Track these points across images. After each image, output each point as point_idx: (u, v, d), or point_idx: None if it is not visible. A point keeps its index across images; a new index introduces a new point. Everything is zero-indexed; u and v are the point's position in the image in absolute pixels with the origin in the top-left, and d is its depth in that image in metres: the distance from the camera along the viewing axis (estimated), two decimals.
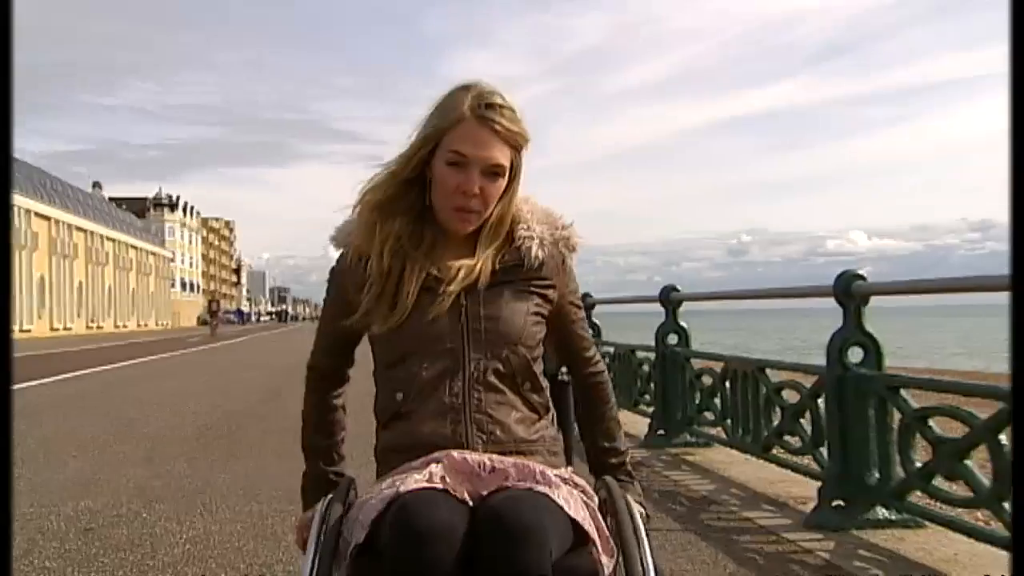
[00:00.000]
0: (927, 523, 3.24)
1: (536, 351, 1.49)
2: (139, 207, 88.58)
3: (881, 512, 3.35)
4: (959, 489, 3.00)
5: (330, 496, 1.41)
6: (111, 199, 75.38)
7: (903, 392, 3.26)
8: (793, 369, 4.31)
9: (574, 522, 1.23)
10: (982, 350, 28.21)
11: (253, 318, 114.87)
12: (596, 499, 1.36)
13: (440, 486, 1.25)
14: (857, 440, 3.41)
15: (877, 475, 3.35)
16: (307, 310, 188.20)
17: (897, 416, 3.28)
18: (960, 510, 3.12)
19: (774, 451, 4.32)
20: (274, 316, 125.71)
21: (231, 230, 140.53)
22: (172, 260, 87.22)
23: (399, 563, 1.14)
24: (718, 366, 5.01)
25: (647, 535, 1.29)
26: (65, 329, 49.27)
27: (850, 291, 3.49)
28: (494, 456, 1.35)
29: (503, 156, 1.42)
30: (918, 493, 3.20)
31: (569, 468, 1.44)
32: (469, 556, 1.16)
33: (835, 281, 3.55)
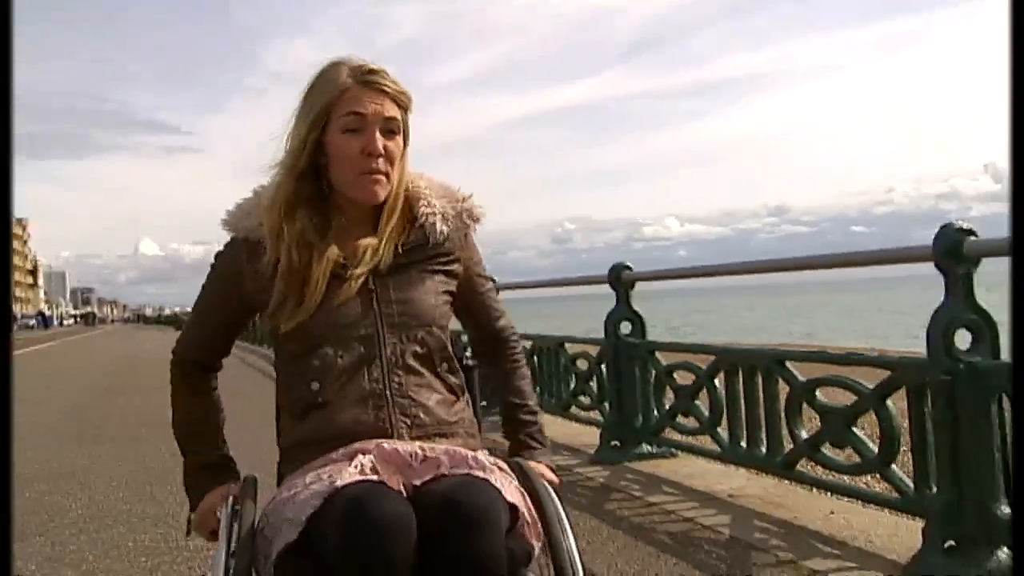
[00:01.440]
0: (677, 452, 4.34)
1: (448, 331, 1.49)
2: None
3: (645, 447, 4.42)
4: (691, 423, 4.08)
5: (231, 495, 1.40)
6: None
7: (657, 354, 4.37)
8: (583, 343, 5.35)
9: (510, 506, 1.24)
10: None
11: (56, 322, 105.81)
12: (515, 479, 1.35)
13: (375, 478, 1.22)
14: (627, 393, 4.46)
15: (641, 419, 4.40)
16: (115, 311, 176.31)
17: (653, 373, 4.35)
18: (692, 438, 4.20)
19: (571, 410, 5.28)
20: (79, 319, 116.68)
21: (24, 228, 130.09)
22: None
23: (353, 560, 1.11)
24: (528, 343, 5.58)
25: (567, 516, 1.31)
26: None
27: (620, 278, 4.58)
28: (423, 444, 1.33)
29: (396, 112, 1.41)
30: (668, 430, 4.27)
31: (485, 451, 1.43)
32: (419, 547, 1.15)
33: (609, 271, 4.63)
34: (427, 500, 1.20)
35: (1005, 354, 2.47)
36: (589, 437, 4.78)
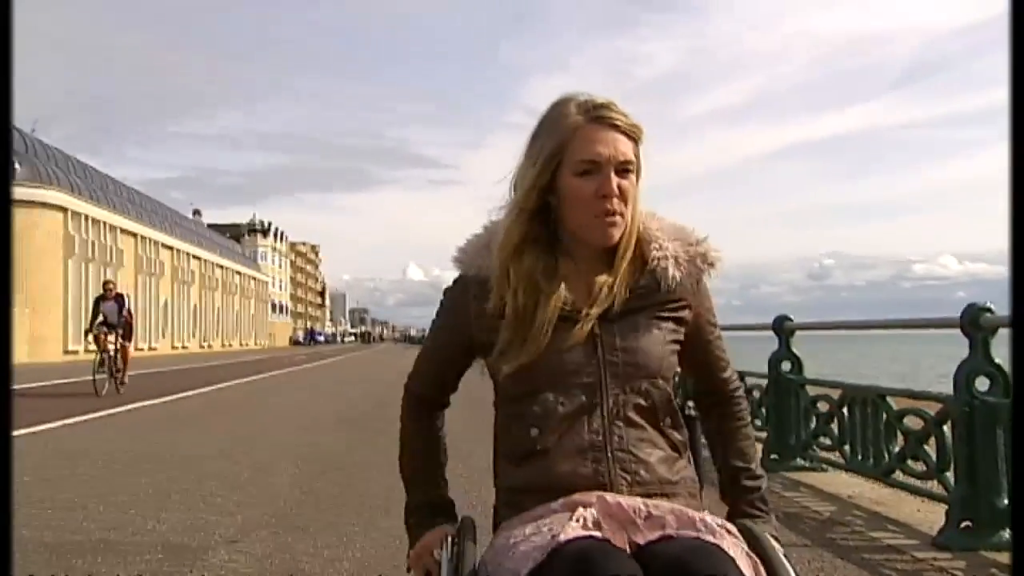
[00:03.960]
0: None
1: (672, 383, 1.42)
2: (235, 233, 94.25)
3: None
4: None
5: (451, 537, 1.39)
6: (210, 226, 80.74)
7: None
8: (911, 396, 4.62)
9: (737, 567, 1.16)
10: None
11: (338, 339, 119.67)
12: (744, 543, 1.25)
13: (599, 534, 1.17)
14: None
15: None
16: (385, 331, 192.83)
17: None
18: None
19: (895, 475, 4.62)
20: (357, 337, 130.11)
21: (316, 254, 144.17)
22: (268, 284, 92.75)
23: None
24: (835, 392, 5.34)
25: None
26: (183, 347, 54.51)
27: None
28: (648, 500, 1.27)
29: (629, 151, 1.35)
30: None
31: (707, 512, 1.32)
32: None
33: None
34: (656, 562, 1.14)
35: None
36: (910, 508, 4.60)
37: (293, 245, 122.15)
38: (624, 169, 1.35)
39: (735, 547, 1.20)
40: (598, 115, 1.35)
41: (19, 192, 32.67)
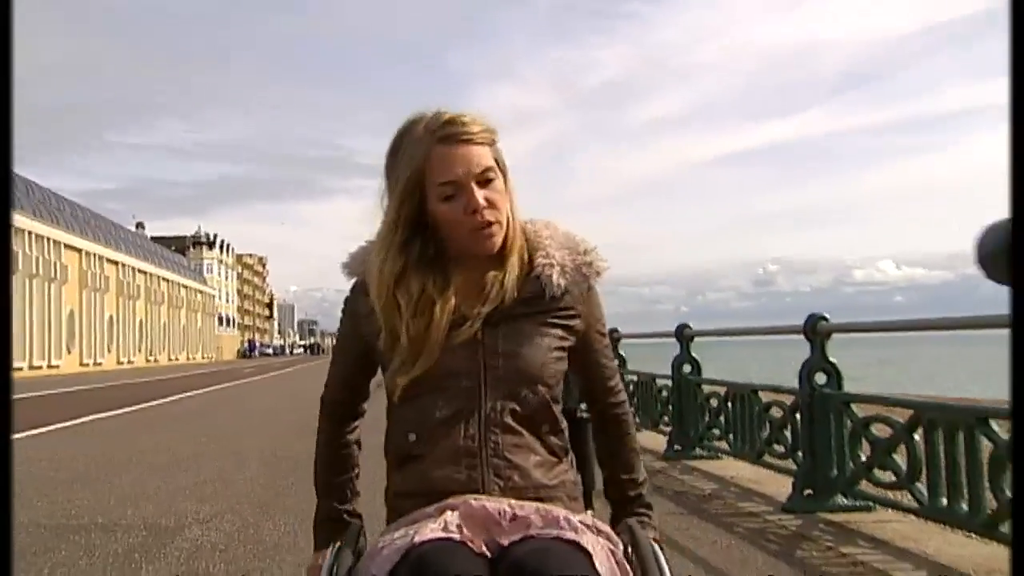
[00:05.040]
0: (874, 506, 4.27)
1: (556, 389, 1.42)
2: (180, 245, 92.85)
3: (840, 499, 4.40)
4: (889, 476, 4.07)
5: (338, 544, 1.38)
6: (153, 239, 79.64)
7: (852, 406, 4.41)
8: (775, 391, 5.56)
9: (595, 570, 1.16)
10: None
11: (286, 351, 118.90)
12: (620, 545, 1.28)
13: (457, 536, 1.19)
14: (821, 443, 4.51)
15: (836, 470, 4.42)
16: (334, 342, 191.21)
17: (849, 424, 4.38)
18: (890, 492, 4.13)
19: (765, 457, 5.33)
20: (306, 349, 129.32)
21: (264, 265, 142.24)
22: (215, 297, 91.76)
23: None
24: (722, 390, 6.08)
25: None
26: (129, 362, 54.04)
27: (816, 329, 4.62)
28: (514, 502, 1.28)
29: (487, 158, 1.35)
30: (864, 482, 4.26)
31: (590, 512, 1.39)
32: None
33: (805, 322, 4.67)
34: (506, 563, 1.15)
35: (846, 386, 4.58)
36: (778, 485, 4.92)
37: (240, 257, 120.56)
38: (486, 179, 1.35)
39: (597, 544, 1.20)
40: (447, 133, 1.33)
41: None
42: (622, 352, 8.88)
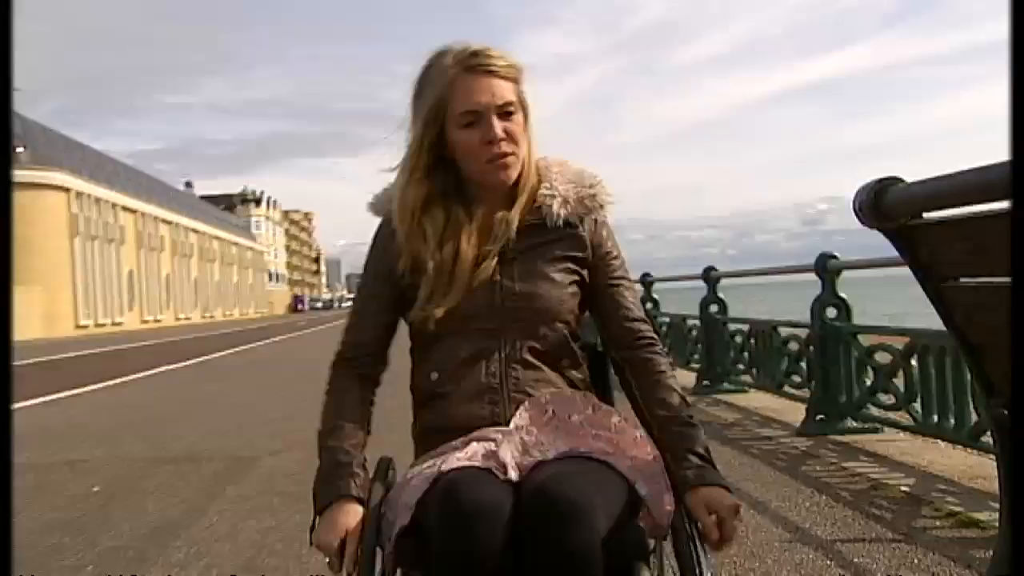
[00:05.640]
0: (881, 427, 4.60)
1: (574, 324, 1.45)
2: (228, 203, 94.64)
3: (849, 422, 4.75)
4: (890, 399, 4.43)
5: (370, 477, 1.36)
6: (202, 197, 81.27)
7: (859, 336, 4.77)
8: (792, 326, 5.86)
9: (631, 487, 1.21)
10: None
11: (334, 304, 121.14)
12: (654, 448, 1.32)
13: (482, 464, 1.21)
14: (832, 372, 4.87)
15: (844, 396, 4.79)
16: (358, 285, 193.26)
17: (855, 353, 4.74)
18: (891, 412, 4.47)
19: (784, 388, 5.78)
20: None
21: (310, 221, 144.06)
22: (264, 253, 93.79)
23: (445, 544, 1.11)
24: (745, 327, 6.53)
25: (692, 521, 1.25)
26: (186, 319, 56.37)
27: (826, 267, 4.94)
28: (538, 430, 1.31)
29: (509, 92, 1.37)
30: (869, 406, 4.63)
31: (617, 416, 1.39)
32: (515, 535, 1.12)
33: (816, 261, 5.00)
34: (529, 488, 1.17)
35: (855, 319, 4.93)
36: (796, 413, 5.23)
37: (286, 213, 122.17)
38: (506, 112, 1.37)
39: (624, 465, 1.23)
40: (472, 63, 1.35)
41: (25, 175, 33.81)
42: (656, 296, 9.18)
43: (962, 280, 1.46)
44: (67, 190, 39.54)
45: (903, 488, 3.52)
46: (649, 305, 8.87)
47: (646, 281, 9.18)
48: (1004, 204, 1.22)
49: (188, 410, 7.53)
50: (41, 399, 8.62)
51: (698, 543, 1.22)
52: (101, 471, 4.71)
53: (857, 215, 1.53)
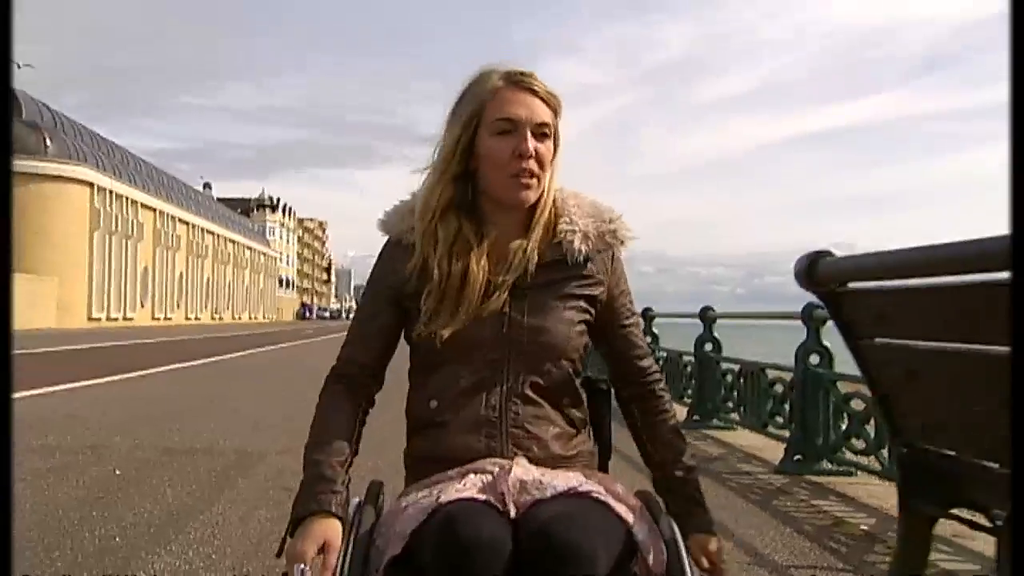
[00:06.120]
0: (856, 471, 4.78)
1: (579, 363, 1.43)
2: (244, 207, 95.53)
3: (825, 464, 5.00)
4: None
5: (358, 500, 1.33)
6: (219, 199, 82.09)
7: (838, 383, 5.08)
8: (778, 368, 6.14)
9: (628, 532, 1.19)
10: None
11: (342, 315, 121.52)
12: (643, 510, 1.29)
13: (482, 497, 1.20)
14: (811, 415, 5.15)
15: (821, 439, 5.07)
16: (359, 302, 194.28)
17: (833, 398, 5.07)
18: (864, 458, 4.76)
19: (768, 428, 6.06)
20: None
21: (324, 230, 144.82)
22: (277, 259, 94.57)
23: None
24: (736, 367, 6.79)
25: (689, 566, 1.24)
26: (196, 319, 57.04)
27: (812, 316, 5.28)
28: (542, 469, 1.29)
29: (547, 115, 1.38)
30: (844, 449, 4.89)
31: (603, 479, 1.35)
32: (513, 571, 1.11)
33: (802, 309, 5.33)
34: (528, 524, 1.15)
35: (837, 367, 5.15)
36: (777, 452, 5.49)
37: (301, 221, 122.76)
38: (542, 133, 1.37)
39: (626, 510, 1.22)
40: (518, 80, 1.37)
41: (49, 167, 34.60)
42: (655, 331, 9.46)
43: (875, 340, 1.78)
44: (90, 184, 40.26)
45: (863, 527, 3.76)
46: (648, 339, 9.11)
47: (647, 316, 9.43)
48: (906, 281, 1.52)
49: (200, 406, 7.90)
50: (65, 386, 9.03)
51: None
52: (121, 457, 5.05)
53: (796, 279, 1.85)
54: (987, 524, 1.74)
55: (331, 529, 1.25)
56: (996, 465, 1.52)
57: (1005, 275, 1.19)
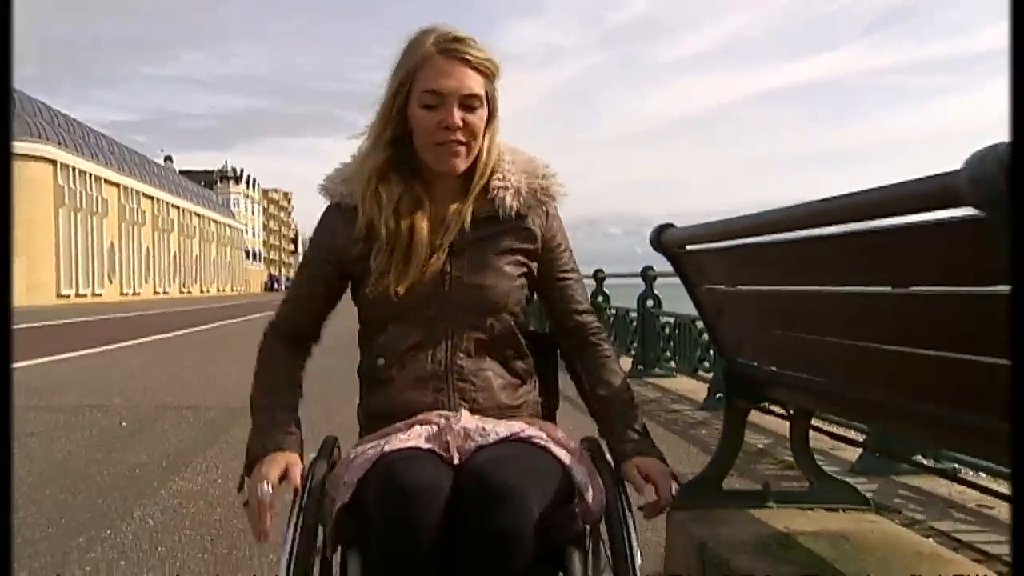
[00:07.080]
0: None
1: (521, 316, 1.46)
2: (208, 179, 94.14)
3: None
4: None
5: (314, 454, 1.36)
6: (181, 172, 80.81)
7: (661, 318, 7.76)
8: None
9: (566, 473, 1.23)
10: None
11: None
12: (585, 455, 1.34)
13: (427, 446, 1.25)
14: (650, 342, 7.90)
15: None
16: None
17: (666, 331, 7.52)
18: None
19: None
20: None
21: (289, 201, 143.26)
22: (243, 231, 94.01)
23: (384, 522, 1.13)
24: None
25: (627, 506, 1.27)
26: (164, 293, 57.09)
27: (647, 274, 7.88)
28: (485, 419, 1.33)
29: (477, 85, 1.36)
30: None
31: (543, 427, 1.39)
32: (452, 515, 1.15)
33: (641, 270, 7.86)
34: (467, 469, 1.20)
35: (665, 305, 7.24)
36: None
37: (265, 192, 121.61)
38: (470, 104, 1.36)
39: (564, 453, 1.28)
40: (449, 48, 1.35)
41: (12, 146, 34.23)
42: (607, 291, 10.01)
43: (703, 286, 2.48)
44: (53, 162, 40.09)
45: (759, 446, 4.52)
46: (600, 299, 9.83)
47: (598, 277, 9.93)
48: (716, 244, 2.21)
49: (182, 372, 8.51)
50: (49, 358, 9.58)
51: (631, 527, 1.24)
52: (122, 413, 5.70)
53: (650, 244, 2.54)
54: (782, 412, 2.48)
55: (290, 460, 1.30)
56: (787, 372, 2.23)
57: (776, 237, 1.81)
